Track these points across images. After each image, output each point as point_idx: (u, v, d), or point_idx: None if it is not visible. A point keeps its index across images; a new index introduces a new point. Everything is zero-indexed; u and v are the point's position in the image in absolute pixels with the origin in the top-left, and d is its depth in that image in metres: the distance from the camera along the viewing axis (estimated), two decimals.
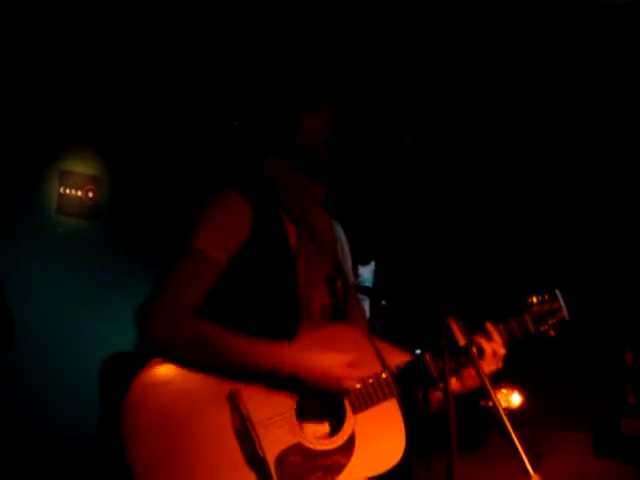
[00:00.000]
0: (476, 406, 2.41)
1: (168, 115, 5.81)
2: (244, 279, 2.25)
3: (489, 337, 2.33)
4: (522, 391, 4.16)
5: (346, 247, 2.65)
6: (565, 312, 2.47)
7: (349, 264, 2.64)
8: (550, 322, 2.45)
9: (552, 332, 2.45)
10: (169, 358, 2.10)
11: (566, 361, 4.66)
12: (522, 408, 2.55)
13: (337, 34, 4.94)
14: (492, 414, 1.94)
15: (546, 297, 2.48)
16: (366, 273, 4.36)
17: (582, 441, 4.45)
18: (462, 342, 2.01)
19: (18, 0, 4.87)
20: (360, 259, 4.32)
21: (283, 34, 4.93)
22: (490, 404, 1.97)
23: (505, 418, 1.90)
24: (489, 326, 2.36)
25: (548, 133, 5.27)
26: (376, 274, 4.43)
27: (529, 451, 1.86)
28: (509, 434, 1.88)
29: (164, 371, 2.10)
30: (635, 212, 4.87)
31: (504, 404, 2.52)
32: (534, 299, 2.46)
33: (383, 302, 4.05)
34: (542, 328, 2.43)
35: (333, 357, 2.15)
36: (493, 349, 2.32)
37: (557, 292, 2.49)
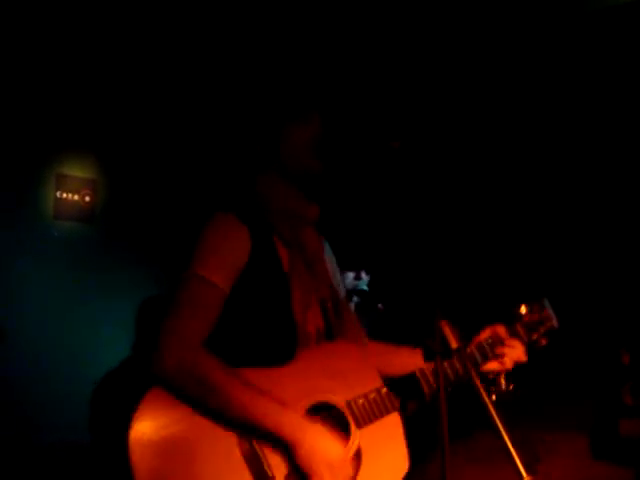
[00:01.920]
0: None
1: (164, 119, 5.81)
2: (241, 304, 2.25)
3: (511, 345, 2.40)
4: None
5: (334, 261, 2.66)
6: (554, 321, 2.50)
7: (339, 281, 2.65)
8: (541, 331, 2.48)
9: (543, 341, 2.49)
10: (172, 392, 2.09)
11: (563, 362, 4.66)
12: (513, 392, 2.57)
13: (322, 39, 4.94)
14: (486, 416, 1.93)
15: (535, 307, 2.51)
16: (366, 278, 4.36)
17: (579, 442, 4.45)
18: (455, 345, 2.01)
19: (16, 4, 4.86)
20: (366, 268, 4.33)
21: (264, 45, 4.93)
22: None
23: (498, 421, 1.90)
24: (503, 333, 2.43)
25: (537, 138, 5.27)
26: (371, 280, 4.43)
27: (526, 453, 1.86)
28: (502, 437, 1.88)
29: (168, 399, 2.09)
30: (630, 214, 4.87)
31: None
32: (523, 309, 2.49)
33: (379, 305, 4.06)
34: (533, 337, 2.47)
35: (331, 455, 2.12)
36: (517, 356, 2.40)
37: (545, 301, 2.52)
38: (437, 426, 1.88)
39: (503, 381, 2.50)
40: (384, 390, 2.26)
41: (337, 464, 2.12)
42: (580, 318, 4.50)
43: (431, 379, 2.30)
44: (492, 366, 2.44)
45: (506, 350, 2.41)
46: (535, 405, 4.40)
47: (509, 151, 5.33)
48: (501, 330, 2.48)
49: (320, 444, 2.10)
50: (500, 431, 1.87)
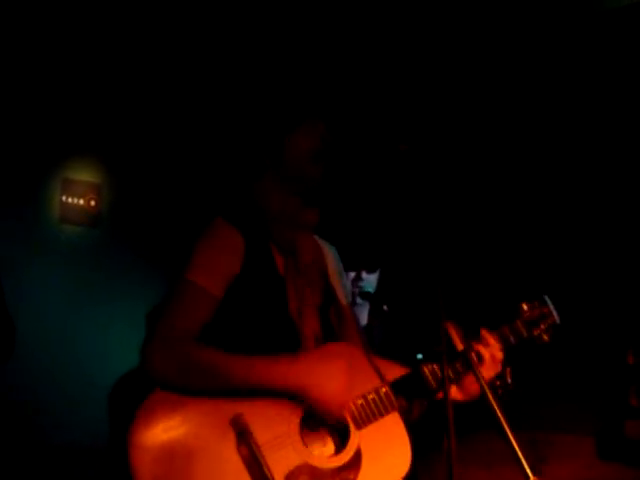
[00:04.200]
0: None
1: (169, 123, 5.82)
2: (238, 309, 2.29)
3: (485, 343, 2.37)
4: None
5: (340, 267, 2.68)
6: (555, 316, 2.52)
7: (344, 284, 2.67)
8: (542, 327, 2.50)
9: (545, 337, 2.50)
10: (170, 389, 2.11)
11: (568, 363, 4.66)
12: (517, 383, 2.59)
13: (328, 42, 4.94)
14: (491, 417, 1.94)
15: (536, 303, 2.53)
16: (371, 279, 4.36)
17: (586, 444, 4.44)
18: (460, 347, 2.02)
19: (21, 8, 4.88)
20: (366, 266, 4.32)
21: (268, 52, 4.94)
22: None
23: (504, 422, 1.90)
24: (484, 332, 2.42)
25: (540, 141, 5.26)
26: (379, 281, 4.43)
27: (532, 455, 1.87)
28: (508, 438, 1.89)
29: (165, 403, 2.11)
30: (635, 212, 4.87)
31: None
32: (524, 306, 2.51)
33: (384, 307, 4.06)
34: (535, 332, 2.48)
35: (335, 380, 2.16)
36: (491, 354, 2.36)
37: (546, 297, 2.55)
38: (441, 426, 1.89)
39: (509, 376, 2.50)
40: (383, 390, 2.26)
41: (346, 393, 2.17)
42: (585, 318, 4.50)
43: (438, 373, 2.31)
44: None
45: (483, 351, 2.40)
46: (540, 406, 4.40)
47: (514, 153, 5.33)
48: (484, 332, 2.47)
49: (326, 380, 2.15)
50: (506, 431, 1.87)
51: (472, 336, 2.38)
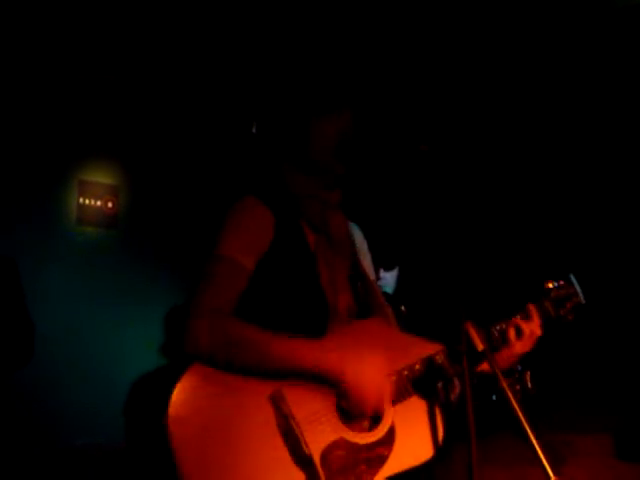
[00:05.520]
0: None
1: (186, 124, 5.85)
2: (270, 283, 2.29)
3: (529, 318, 2.38)
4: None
5: (365, 246, 2.69)
6: (581, 296, 2.52)
7: (369, 262, 2.68)
8: (568, 306, 2.50)
9: (570, 317, 2.50)
10: (211, 363, 2.11)
11: (587, 364, 4.65)
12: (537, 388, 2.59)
13: (355, 40, 4.95)
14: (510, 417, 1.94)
15: (561, 283, 2.53)
16: (389, 278, 4.34)
17: (604, 444, 4.43)
18: (480, 347, 2.02)
19: (38, 14, 4.91)
20: (384, 265, 4.32)
21: (300, 42, 4.94)
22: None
23: (525, 423, 1.90)
24: (531, 307, 2.41)
25: (562, 137, 5.26)
26: (398, 280, 4.42)
27: (552, 455, 1.87)
28: (529, 438, 1.89)
29: (204, 377, 2.11)
30: None
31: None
32: (550, 285, 2.51)
33: (402, 308, 4.05)
34: (561, 312, 2.48)
35: (371, 381, 2.15)
36: (531, 330, 2.37)
37: (572, 277, 2.54)
38: (461, 421, 1.89)
39: (529, 380, 2.50)
40: (417, 366, 2.27)
41: (381, 385, 2.16)
42: (605, 319, 4.49)
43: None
44: (516, 349, 2.42)
45: (524, 326, 2.40)
46: (559, 406, 4.39)
47: (535, 147, 5.33)
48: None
49: (361, 370, 2.14)
50: (527, 432, 1.87)
51: (517, 308, 2.39)
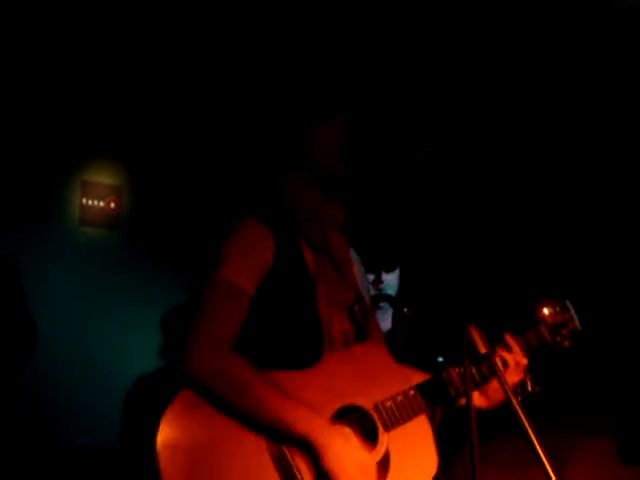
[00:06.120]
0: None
1: (189, 125, 5.84)
2: (267, 307, 2.27)
3: (509, 349, 2.37)
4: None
5: (362, 270, 2.67)
6: (577, 322, 2.51)
7: (365, 286, 2.66)
8: (564, 332, 2.49)
9: (566, 343, 2.49)
10: (202, 394, 2.09)
11: (589, 367, 4.64)
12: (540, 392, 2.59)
13: (357, 43, 4.95)
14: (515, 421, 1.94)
15: (557, 308, 2.51)
16: (391, 280, 4.33)
17: (606, 446, 4.42)
18: (483, 350, 2.01)
19: (39, 13, 4.90)
20: (385, 266, 4.31)
21: (300, 45, 4.94)
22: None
23: (528, 426, 1.90)
24: (508, 338, 2.41)
25: (564, 137, 5.26)
26: (401, 281, 4.42)
27: (553, 457, 1.86)
28: (531, 441, 1.88)
29: (195, 404, 2.10)
30: None
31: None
32: (546, 310, 2.49)
33: (405, 310, 4.05)
34: (557, 339, 2.47)
35: (358, 461, 2.12)
36: (515, 360, 2.36)
37: (567, 302, 2.53)
38: (463, 428, 1.89)
39: (529, 382, 2.50)
40: (411, 392, 2.26)
41: (364, 470, 2.11)
42: (606, 322, 4.48)
43: (457, 381, 2.31)
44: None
45: (508, 357, 2.40)
46: (561, 409, 4.38)
47: (537, 155, 5.32)
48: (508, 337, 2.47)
49: (347, 450, 2.10)
50: (529, 435, 1.87)
51: (496, 340, 2.38)
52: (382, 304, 4.14)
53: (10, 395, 4.02)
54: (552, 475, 1.85)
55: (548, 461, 1.86)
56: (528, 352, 2.42)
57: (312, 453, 2.09)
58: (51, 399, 5.01)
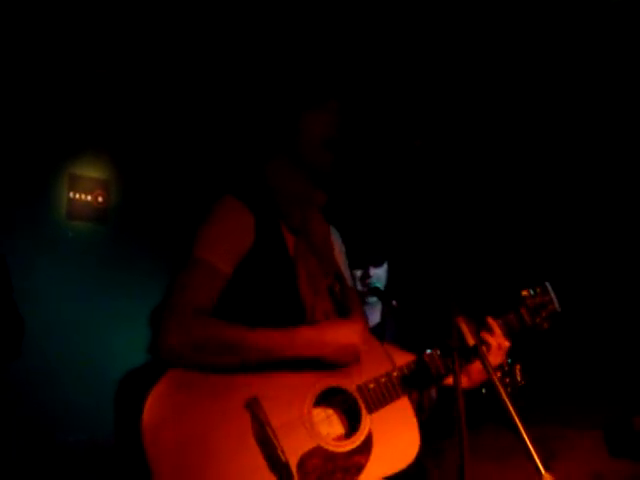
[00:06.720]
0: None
1: (176, 119, 5.82)
2: (248, 288, 2.28)
3: (491, 331, 2.38)
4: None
5: (343, 249, 2.68)
6: (556, 304, 2.52)
7: (346, 266, 2.67)
8: (543, 314, 2.51)
9: (545, 325, 2.51)
10: (187, 365, 2.11)
11: (577, 359, 4.65)
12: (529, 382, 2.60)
13: (346, 34, 4.94)
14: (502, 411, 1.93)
15: (537, 290, 2.53)
16: (380, 273, 4.33)
17: (596, 439, 4.43)
18: (472, 342, 2.01)
19: (28, 8, 4.88)
20: (373, 261, 4.30)
21: (289, 35, 4.93)
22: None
23: (516, 417, 1.89)
24: (490, 320, 2.42)
25: (556, 132, 5.26)
26: (389, 274, 4.42)
27: (543, 449, 1.86)
28: (520, 433, 1.88)
29: (180, 385, 2.11)
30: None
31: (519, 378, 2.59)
32: (526, 293, 2.51)
33: (394, 302, 4.04)
34: (537, 320, 2.48)
35: (350, 330, 2.21)
36: (498, 342, 2.37)
37: (547, 285, 2.54)
38: (452, 416, 1.89)
39: (519, 373, 2.50)
40: (395, 374, 2.27)
41: (359, 333, 2.23)
42: (594, 315, 4.49)
43: (439, 363, 2.32)
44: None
45: (490, 339, 2.41)
46: (550, 401, 4.39)
47: (526, 149, 5.33)
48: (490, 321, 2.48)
49: (339, 338, 2.20)
50: (517, 426, 1.86)
51: (478, 323, 2.39)
52: (370, 299, 4.14)
53: (0, 392, 4.00)
54: (541, 468, 1.84)
55: (537, 453, 1.86)
56: (510, 334, 2.43)
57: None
58: (42, 395, 5.00)
